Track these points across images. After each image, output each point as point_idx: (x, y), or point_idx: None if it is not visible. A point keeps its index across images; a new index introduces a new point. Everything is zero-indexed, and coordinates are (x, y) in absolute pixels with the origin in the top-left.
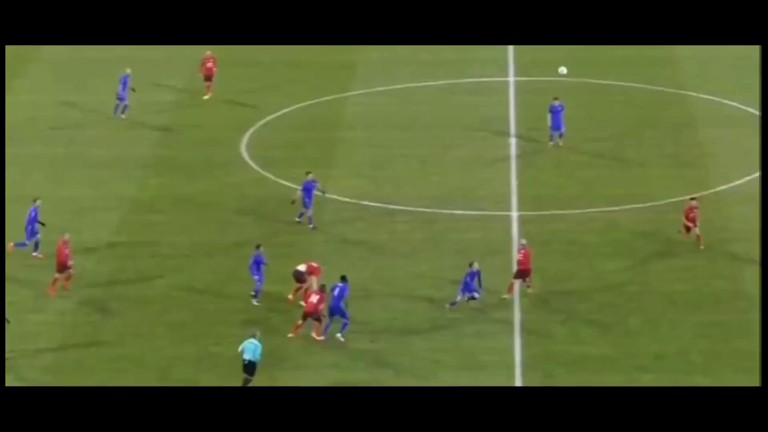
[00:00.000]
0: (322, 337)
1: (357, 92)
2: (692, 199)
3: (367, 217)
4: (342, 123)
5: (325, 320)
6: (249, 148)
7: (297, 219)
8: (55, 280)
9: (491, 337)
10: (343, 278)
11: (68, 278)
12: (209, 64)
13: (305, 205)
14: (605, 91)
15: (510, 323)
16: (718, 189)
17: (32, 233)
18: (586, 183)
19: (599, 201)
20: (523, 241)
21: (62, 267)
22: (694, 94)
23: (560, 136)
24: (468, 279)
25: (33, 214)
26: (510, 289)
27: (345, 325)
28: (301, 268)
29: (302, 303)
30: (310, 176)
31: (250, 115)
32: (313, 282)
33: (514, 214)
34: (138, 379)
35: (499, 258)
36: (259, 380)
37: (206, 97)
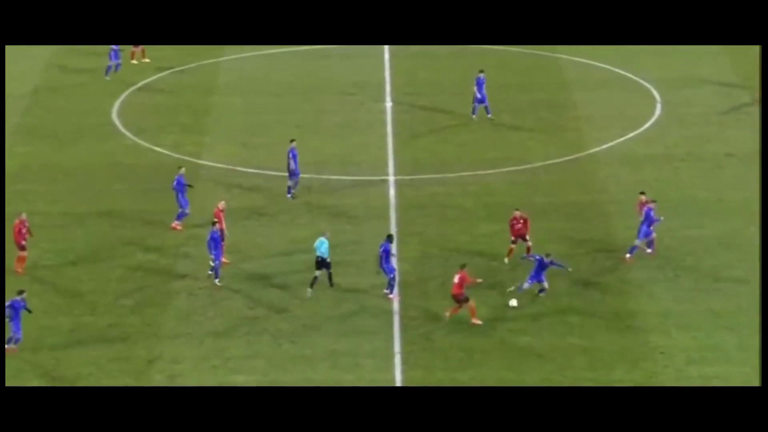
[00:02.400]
0: (478, 321)
1: (230, 57)
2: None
3: (242, 184)
4: (215, 89)
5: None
6: (120, 114)
7: (297, 192)
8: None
9: (370, 300)
10: (389, 237)
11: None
12: None
13: (295, 174)
14: (479, 54)
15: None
16: (592, 151)
17: (185, 203)
18: (461, 147)
19: (475, 164)
20: (517, 213)
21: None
22: (567, 57)
23: (485, 108)
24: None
25: (178, 183)
26: (509, 254)
27: (389, 281)
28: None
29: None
30: (294, 143)
31: (121, 81)
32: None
33: (391, 178)
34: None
35: (378, 222)
36: (134, 352)
37: (135, 62)
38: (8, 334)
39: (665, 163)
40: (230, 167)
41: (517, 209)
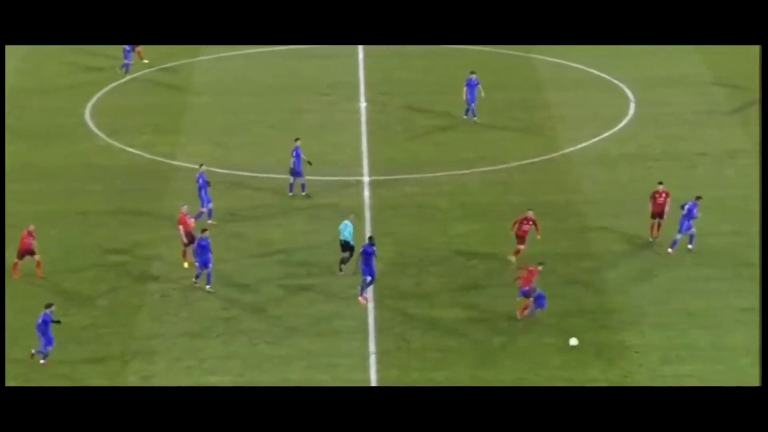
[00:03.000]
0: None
1: (204, 57)
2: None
3: (217, 184)
4: (190, 89)
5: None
6: (94, 115)
7: (298, 192)
8: (16, 264)
9: (345, 302)
10: (370, 239)
11: (37, 265)
12: None
13: (298, 174)
14: (453, 54)
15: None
16: (567, 151)
17: (207, 200)
18: (436, 146)
19: (450, 164)
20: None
21: (23, 254)
22: (541, 57)
23: (471, 110)
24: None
25: (201, 180)
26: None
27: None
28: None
29: None
30: (299, 142)
31: (95, 81)
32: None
33: (366, 178)
34: None
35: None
36: (109, 352)
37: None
38: (38, 347)
39: (639, 162)
40: (204, 167)
41: (530, 209)
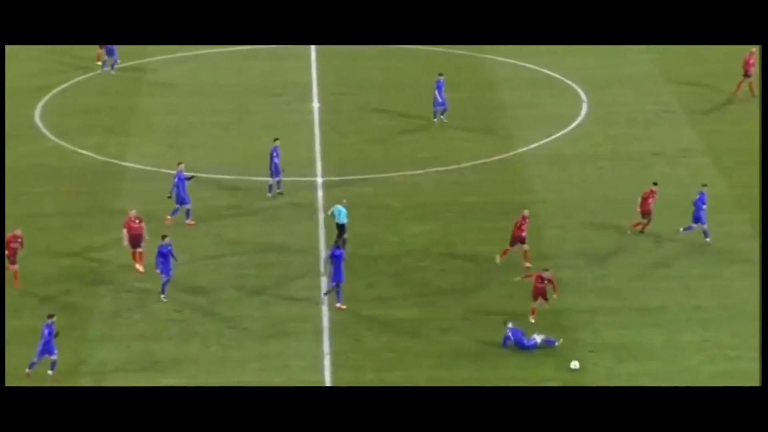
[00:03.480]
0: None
1: (155, 58)
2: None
3: (168, 186)
4: (140, 90)
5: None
6: (43, 116)
7: (276, 191)
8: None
9: (298, 304)
10: (337, 241)
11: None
12: None
13: (276, 173)
14: (406, 55)
15: (317, 289)
16: (519, 151)
17: (186, 199)
18: (389, 147)
19: (403, 165)
20: (526, 212)
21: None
22: (492, 57)
23: (443, 111)
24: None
25: (178, 178)
26: (504, 254)
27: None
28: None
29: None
30: (277, 143)
31: (45, 82)
32: None
33: (319, 179)
34: None
35: (306, 224)
36: (61, 356)
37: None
38: (33, 358)
39: (591, 162)
40: (155, 169)
41: (526, 209)
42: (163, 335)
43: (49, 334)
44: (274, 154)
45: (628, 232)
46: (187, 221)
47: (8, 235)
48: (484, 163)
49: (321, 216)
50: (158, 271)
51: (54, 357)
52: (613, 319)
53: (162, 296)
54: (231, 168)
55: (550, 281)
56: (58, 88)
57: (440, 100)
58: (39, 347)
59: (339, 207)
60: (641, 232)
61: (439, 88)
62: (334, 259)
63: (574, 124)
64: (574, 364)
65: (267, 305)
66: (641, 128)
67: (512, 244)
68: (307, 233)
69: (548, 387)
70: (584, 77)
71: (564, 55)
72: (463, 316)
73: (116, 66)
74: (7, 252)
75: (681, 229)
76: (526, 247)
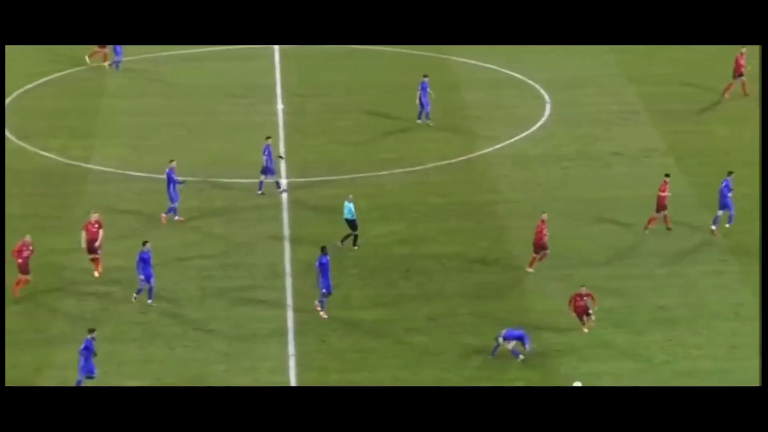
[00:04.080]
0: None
1: (121, 59)
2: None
3: (133, 188)
4: (104, 91)
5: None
6: (6, 118)
7: (267, 189)
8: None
9: (263, 305)
10: (323, 249)
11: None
12: None
13: (271, 171)
14: (370, 55)
15: (282, 290)
16: (484, 151)
17: (175, 197)
18: (353, 148)
19: (367, 166)
20: (544, 216)
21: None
22: (455, 58)
23: (426, 114)
24: None
25: (169, 176)
26: (532, 263)
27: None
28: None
29: None
30: (269, 141)
31: (7, 83)
32: None
33: (283, 180)
34: None
35: (270, 225)
36: (24, 357)
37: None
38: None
39: (555, 162)
40: (119, 171)
41: (544, 212)
42: (127, 337)
43: (88, 349)
44: (266, 152)
45: (646, 231)
46: (175, 218)
47: (18, 243)
48: (449, 164)
49: (285, 217)
50: (141, 277)
51: (95, 377)
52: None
53: (149, 301)
54: (195, 169)
55: (587, 296)
56: (22, 89)
57: (423, 101)
58: (80, 364)
59: (346, 203)
60: (668, 229)
61: (423, 89)
62: (322, 267)
63: (537, 125)
64: (577, 383)
65: (232, 307)
66: (604, 128)
67: (536, 251)
68: (271, 234)
69: (513, 387)
70: (547, 78)
71: (527, 55)
72: (427, 316)
73: (120, 66)
74: (19, 261)
75: (714, 223)
76: (547, 251)
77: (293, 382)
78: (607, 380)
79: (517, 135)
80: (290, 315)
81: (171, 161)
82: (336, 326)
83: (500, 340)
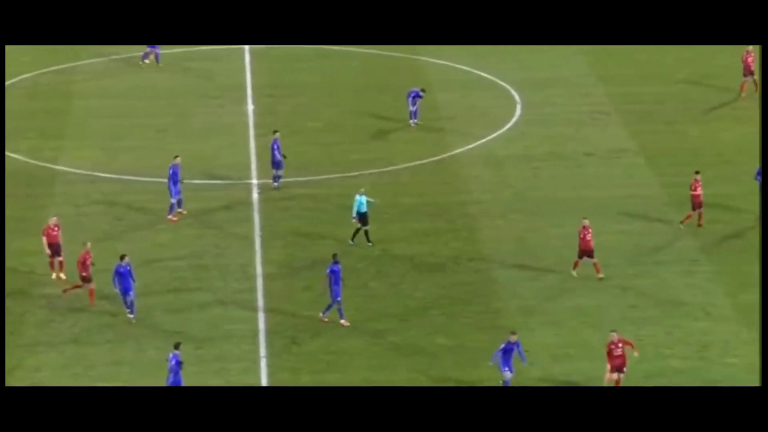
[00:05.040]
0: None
1: (89, 60)
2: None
3: (104, 189)
4: (75, 92)
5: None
6: None
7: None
8: (76, 286)
9: (234, 307)
10: (335, 256)
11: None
12: None
13: (279, 165)
14: (341, 56)
15: (253, 291)
16: (455, 152)
17: (176, 192)
18: (325, 148)
19: (339, 166)
20: (586, 222)
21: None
22: (426, 59)
23: (412, 113)
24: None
25: (172, 171)
26: (575, 266)
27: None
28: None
29: None
30: (277, 134)
31: None
32: None
33: (255, 181)
34: None
35: (241, 226)
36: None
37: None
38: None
39: (526, 162)
40: (90, 172)
41: (585, 218)
42: (97, 339)
43: (177, 364)
44: (275, 146)
45: (681, 226)
46: (179, 210)
47: (82, 252)
48: (421, 164)
49: (257, 218)
50: (116, 291)
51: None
52: (548, 319)
53: (130, 317)
54: (165, 171)
55: (625, 343)
56: None
57: (411, 108)
58: (169, 380)
59: (357, 197)
60: (699, 225)
61: (412, 97)
62: (334, 275)
63: (508, 125)
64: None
65: (203, 308)
66: (575, 129)
67: (580, 256)
68: (242, 235)
69: (484, 387)
70: (518, 78)
71: (498, 56)
72: (399, 317)
73: (159, 58)
74: (83, 273)
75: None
76: (595, 260)
77: (264, 383)
78: (578, 380)
79: (488, 135)
80: (261, 316)
81: (176, 157)
82: (308, 327)
83: (506, 376)
